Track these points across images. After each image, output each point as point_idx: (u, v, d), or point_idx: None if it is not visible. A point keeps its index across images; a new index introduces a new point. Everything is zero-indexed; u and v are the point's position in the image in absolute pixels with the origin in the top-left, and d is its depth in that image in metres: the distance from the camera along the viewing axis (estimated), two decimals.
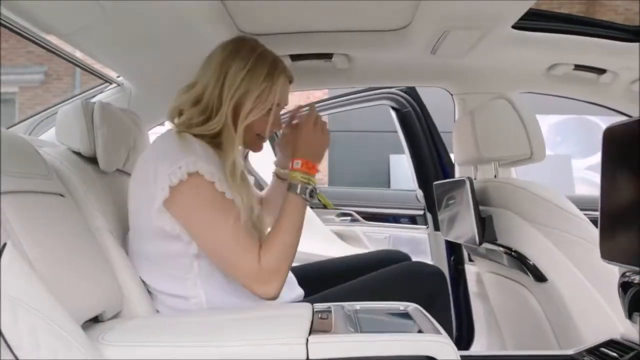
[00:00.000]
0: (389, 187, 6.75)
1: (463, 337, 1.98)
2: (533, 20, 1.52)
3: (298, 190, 1.09)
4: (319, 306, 1.06)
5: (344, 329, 0.91)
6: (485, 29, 1.41)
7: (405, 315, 1.03)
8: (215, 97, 1.08)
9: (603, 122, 6.17)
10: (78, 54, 1.46)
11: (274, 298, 1.05)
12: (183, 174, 0.99)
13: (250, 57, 1.10)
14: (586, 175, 6.22)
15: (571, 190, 5.88)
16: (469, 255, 1.94)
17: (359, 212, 2.44)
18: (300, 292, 1.26)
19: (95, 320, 1.04)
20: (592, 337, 1.16)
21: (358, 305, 1.08)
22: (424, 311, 1.04)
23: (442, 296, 1.21)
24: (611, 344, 1.14)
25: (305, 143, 1.12)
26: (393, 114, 2.17)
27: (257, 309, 1.08)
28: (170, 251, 1.08)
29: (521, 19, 1.40)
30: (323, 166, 7.09)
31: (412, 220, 2.27)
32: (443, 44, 1.50)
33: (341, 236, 2.41)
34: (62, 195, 1.11)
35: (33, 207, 0.94)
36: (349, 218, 2.47)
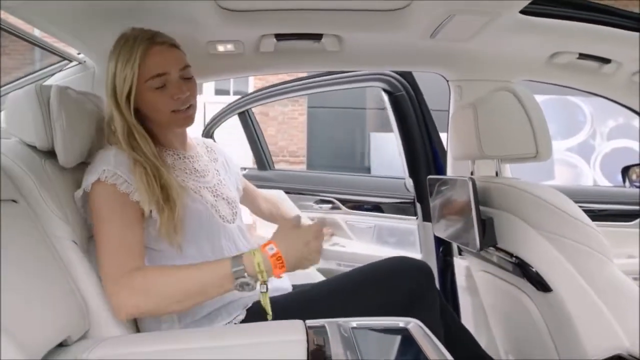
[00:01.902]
0: (369, 166, 6.64)
1: None
2: (541, 5, 1.41)
3: (237, 281, 0.97)
4: (312, 322, 0.97)
5: None
6: (494, 13, 1.28)
7: (406, 333, 0.97)
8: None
9: (584, 103, 6.22)
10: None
11: (117, 311, 0.99)
12: (88, 185, 1.06)
13: (115, 52, 1.14)
14: (565, 156, 6.29)
15: (551, 173, 5.93)
16: (459, 248, 1.87)
17: (340, 200, 2.32)
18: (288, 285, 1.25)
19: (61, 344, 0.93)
20: (597, 352, 1.11)
21: (354, 322, 1.00)
22: (424, 328, 0.98)
23: (429, 292, 1.17)
24: (617, 359, 1.09)
25: (295, 242, 1.00)
26: (385, 97, 2.04)
27: (244, 332, 0.97)
28: None
29: (529, 3, 1.29)
30: (301, 147, 6.93)
31: (399, 209, 2.17)
32: (445, 28, 1.37)
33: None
34: (14, 201, 0.97)
35: None
36: (329, 205, 2.34)
